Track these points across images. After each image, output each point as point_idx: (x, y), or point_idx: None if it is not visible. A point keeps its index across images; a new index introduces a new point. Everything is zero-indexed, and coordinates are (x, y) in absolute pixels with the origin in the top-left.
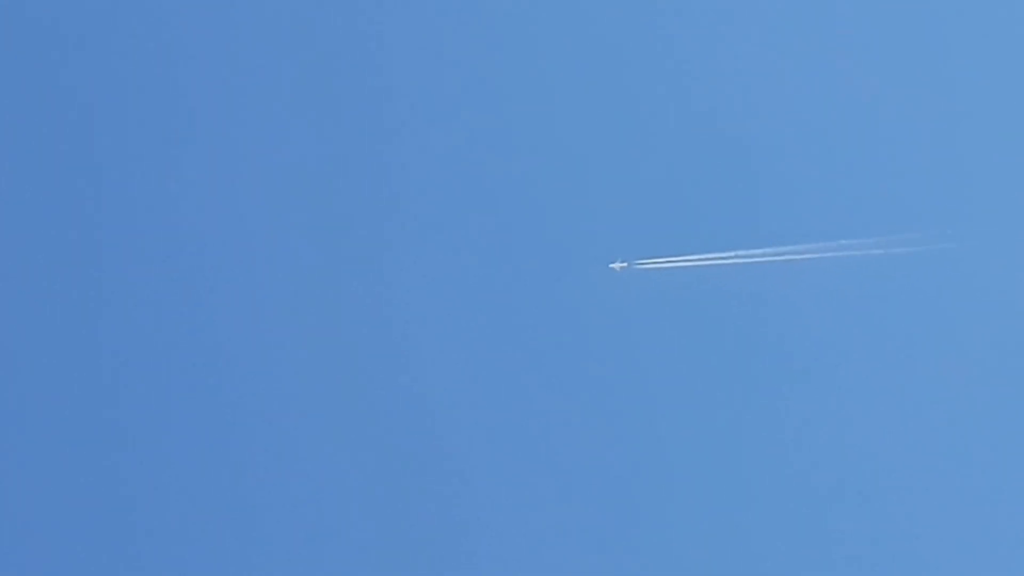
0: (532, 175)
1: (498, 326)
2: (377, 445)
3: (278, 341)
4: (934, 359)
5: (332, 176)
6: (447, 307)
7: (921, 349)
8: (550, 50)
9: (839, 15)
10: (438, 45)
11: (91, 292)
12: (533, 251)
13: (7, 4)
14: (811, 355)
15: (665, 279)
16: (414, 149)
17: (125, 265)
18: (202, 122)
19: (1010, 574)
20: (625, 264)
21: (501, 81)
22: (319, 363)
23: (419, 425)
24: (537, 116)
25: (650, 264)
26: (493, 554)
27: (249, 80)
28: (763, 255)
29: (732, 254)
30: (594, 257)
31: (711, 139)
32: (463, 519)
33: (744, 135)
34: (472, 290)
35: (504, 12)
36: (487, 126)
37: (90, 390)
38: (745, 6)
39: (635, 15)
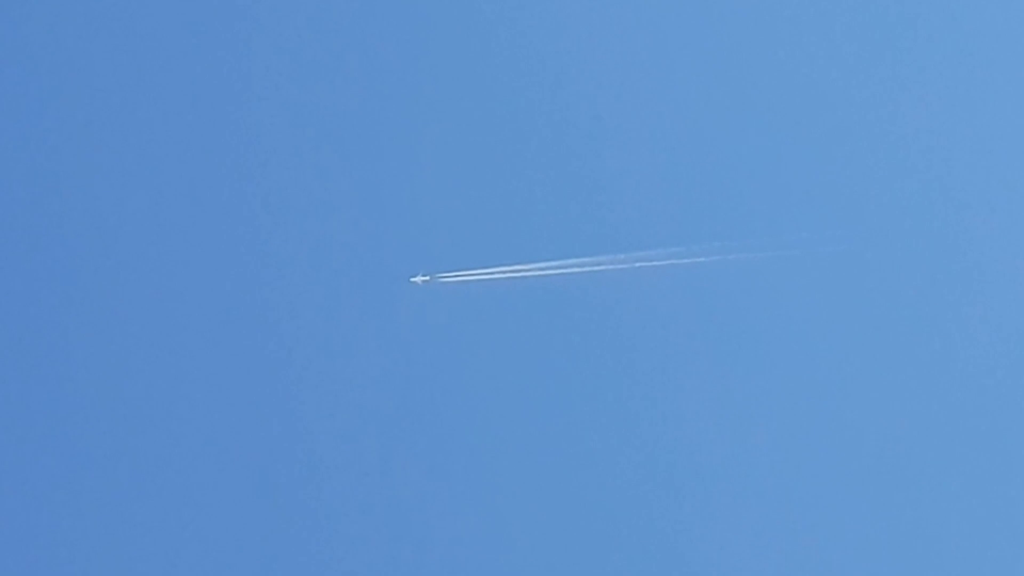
0: (329, 188)
1: (296, 343)
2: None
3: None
4: (772, 370)
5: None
6: (244, 323)
7: (751, 359)
8: (351, 62)
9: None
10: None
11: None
12: (331, 265)
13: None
14: (619, 368)
15: (469, 292)
16: (219, 163)
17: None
18: None
19: None
20: (427, 278)
21: (299, 96)
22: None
23: (215, 448)
24: (334, 127)
25: (453, 277)
26: None
27: None
28: (566, 267)
29: (536, 266)
30: (394, 271)
31: (512, 148)
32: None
33: (550, 142)
34: (269, 306)
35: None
36: (285, 138)
37: None
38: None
39: (440, 25)
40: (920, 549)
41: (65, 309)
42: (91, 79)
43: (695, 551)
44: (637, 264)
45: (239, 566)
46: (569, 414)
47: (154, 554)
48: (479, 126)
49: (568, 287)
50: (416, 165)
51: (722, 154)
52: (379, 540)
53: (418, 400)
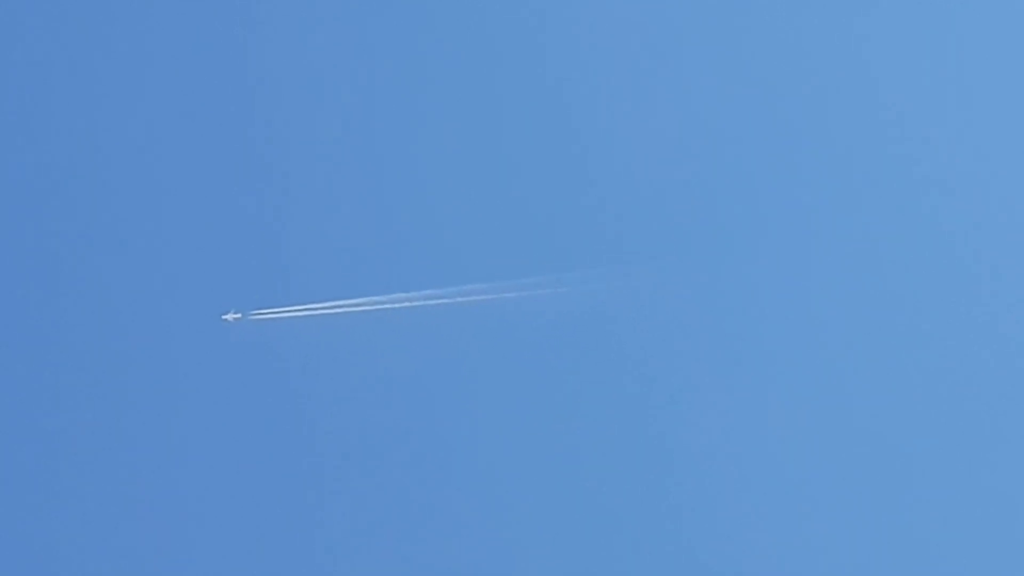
0: (135, 223)
1: (103, 386)
2: None
3: None
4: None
5: None
6: (54, 363)
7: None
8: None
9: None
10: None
11: None
12: (137, 302)
13: None
14: (436, 405)
15: (282, 329)
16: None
17: None
18: None
19: None
20: (239, 315)
21: (111, 139)
22: None
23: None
24: (142, 164)
25: (266, 315)
26: None
27: None
28: (381, 303)
29: (350, 302)
30: (204, 308)
31: (321, 191)
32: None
33: (359, 183)
34: (75, 348)
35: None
36: (97, 176)
37: None
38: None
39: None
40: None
41: None
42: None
43: None
44: (449, 300)
45: None
46: (378, 451)
47: None
48: (290, 170)
49: (381, 323)
50: (227, 201)
51: (534, 188)
52: None
53: (229, 442)
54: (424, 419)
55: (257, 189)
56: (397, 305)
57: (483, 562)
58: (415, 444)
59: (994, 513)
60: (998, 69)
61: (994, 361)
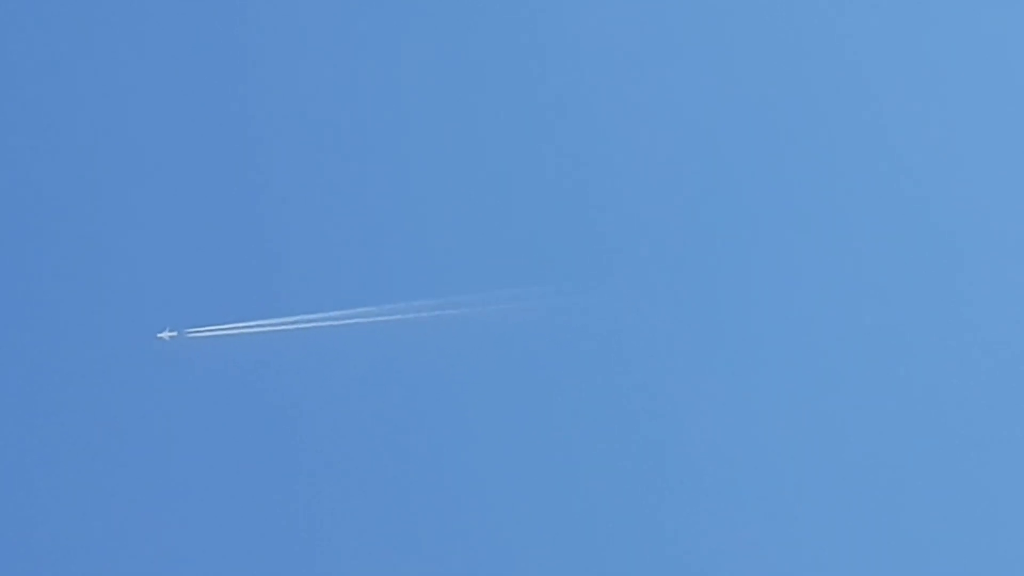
0: (66, 240)
1: (31, 408)
2: None
3: None
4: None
5: None
6: None
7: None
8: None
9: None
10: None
11: None
12: (68, 320)
13: None
14: (380, 427)
15: (220, 348)
16: None
17: None
18: None
19: None
20: (175, 333)
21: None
22: None
23: None
24: (76, 181)
25: (203, 333)
26: None
27: None
28: (318, 320)
29: (291, 319)
30: (140, 327)
31: (256, 205)
32: None
33: (295, 199)
34: (14, 369)
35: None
36: (25, 193)
37: None
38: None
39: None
40: None
41: None
42: None
43: None
44: (394, 316)
45: None
46: (319, 475)
47: None
48: (220, 190)
49: (321, 341)
50: (160, 216)
51: (477, 205)
52: None
53: (162, 464)
54: (368, 441)
55: (192, 204)
56: (337, 323)
57: None
58: (358, 467)
59: (990, 514)
60: (995, 75)
61: (985, 376)
